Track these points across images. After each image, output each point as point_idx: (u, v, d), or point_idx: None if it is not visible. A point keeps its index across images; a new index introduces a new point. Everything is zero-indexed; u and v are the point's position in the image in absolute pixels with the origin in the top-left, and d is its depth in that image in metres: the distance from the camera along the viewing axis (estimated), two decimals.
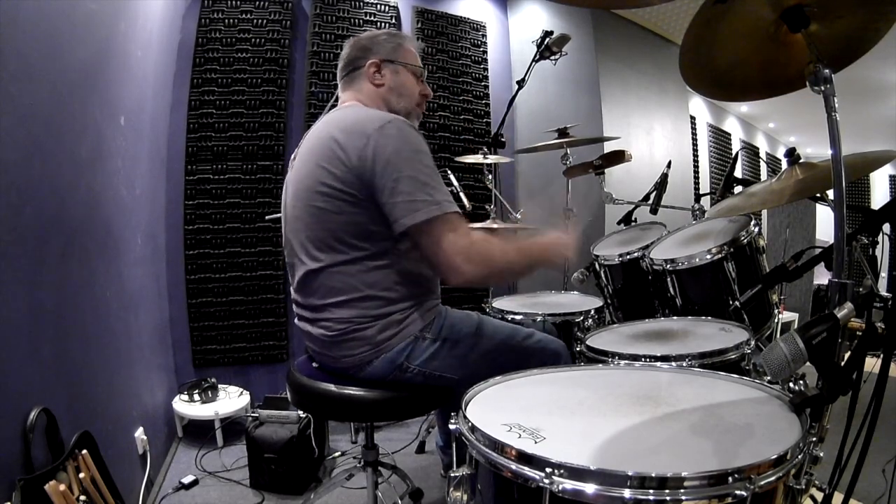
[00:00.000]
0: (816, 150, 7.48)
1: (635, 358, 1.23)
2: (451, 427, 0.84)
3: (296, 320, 1.36)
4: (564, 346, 1.40)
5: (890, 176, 8.04)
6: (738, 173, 2.19)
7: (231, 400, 2.54)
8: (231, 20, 2.78)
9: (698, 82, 1.31)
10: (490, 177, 2.47)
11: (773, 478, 0.67)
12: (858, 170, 1.31)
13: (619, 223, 2.40)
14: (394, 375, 1.26)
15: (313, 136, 1.30)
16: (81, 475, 1.29)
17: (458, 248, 1.15)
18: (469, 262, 1.15)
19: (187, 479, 2.11)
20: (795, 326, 1.70)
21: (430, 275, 1.32)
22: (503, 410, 0.90)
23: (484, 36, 3.54)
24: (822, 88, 1.02)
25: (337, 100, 1.47)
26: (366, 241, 1.21)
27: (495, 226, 2.29)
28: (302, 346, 2.97)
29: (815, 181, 1.32)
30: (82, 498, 1.26)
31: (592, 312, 1.84)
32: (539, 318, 1.77)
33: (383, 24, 3.11)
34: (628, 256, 1.91)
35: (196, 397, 2.50)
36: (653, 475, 0.65)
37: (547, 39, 2.35)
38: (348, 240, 1.21)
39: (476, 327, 1.32)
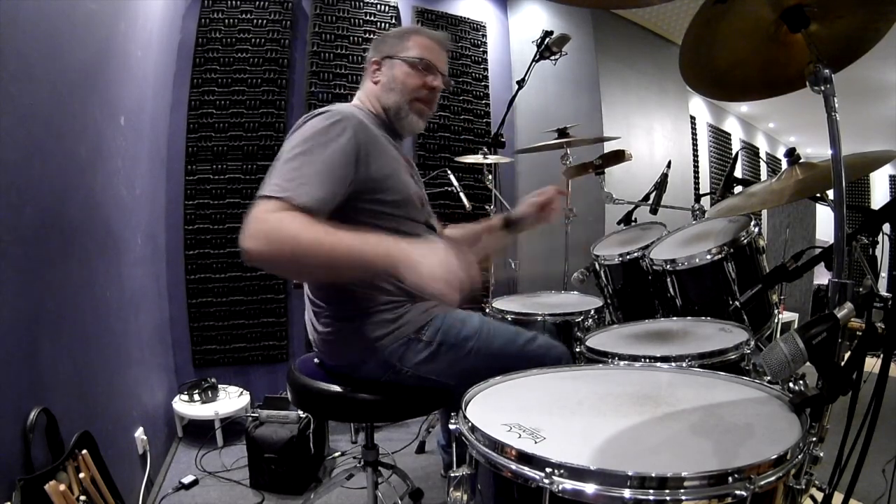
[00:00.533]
0: (816, 150, 7.48)
1: (635, 358, 1.23)
2: (451, 427, 0.84)
3: (305, 314, 1.37)
4: (567, 351, 1.37)
5: (890, 176, 8.04)
6: (738, 173, 2.19)
7: (231, 400, 2.54)
8: (231, 20, 2.78)
9: (698, 82, 1.30)
10: (490, 177, 2.47)
11: (773, 478, 0.67)
12: (858, 170, 1.31)
13: (619, 223, 2.40)
14: (388, 377, 1.25)
15: None
16: (81, 475, 1.29)
17: (247, 224, 1.03)
18: (250, 239, 1.01)
19: (187, 479, 2.11)
20: (795, 326, 1.70)
21: None
22: (503, 410, 0.90)
23: (484, 36, 3.54)
24: (822, 88, 1.02)
25: None
26: None
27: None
28: (302, 345, 2.98)
29: (815, 181, 1.32)
30: (82, 498, 1.26)
31: (592, 312, 1.84)
32: (539, 318, 1.77)
33: (383, 24, 3.11)
34: (628, 256, 1.91)
35: (196, 397, 2.50)
36: (653, 475, 0.65)
37: (547, 39, 2.35)
38: None
39: (476, 330, 1.30)
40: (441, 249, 1.02)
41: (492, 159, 2.38)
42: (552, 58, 2.39)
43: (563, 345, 1.40)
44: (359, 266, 1.05)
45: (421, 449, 2.43)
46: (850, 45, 1.14)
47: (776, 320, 1.69)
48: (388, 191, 1.24)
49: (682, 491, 0.65)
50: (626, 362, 1.21)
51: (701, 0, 1.09)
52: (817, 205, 1.67)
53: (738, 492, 0.64)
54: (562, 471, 0.68)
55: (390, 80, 1.36)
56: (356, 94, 1.43)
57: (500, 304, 2.02)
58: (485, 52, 3.53)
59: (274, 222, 1.02)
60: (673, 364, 1.18)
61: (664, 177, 2.25)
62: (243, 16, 2.80)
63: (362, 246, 1.03)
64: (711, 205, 1.95)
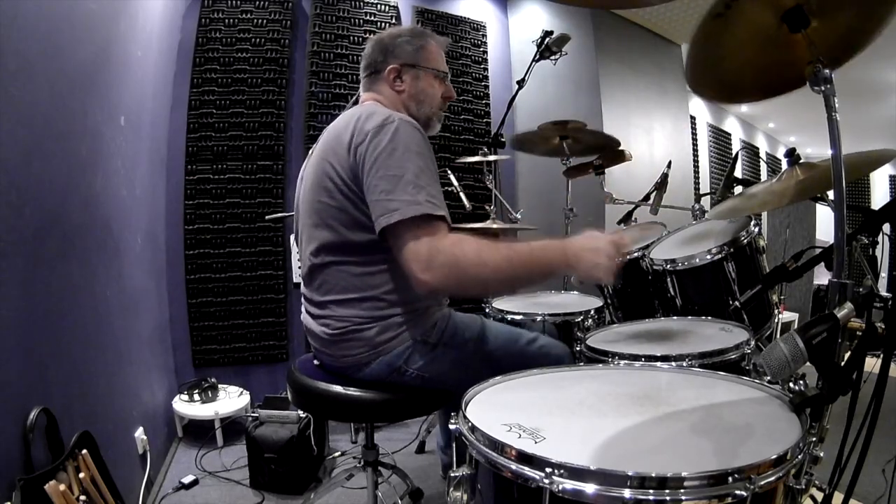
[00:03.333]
0: (816, 150, 7.48)
1: (635, 358, 1.23)
2: (451, 427, 0.84)
3: (302, 315, 1.36)
4: (568, 350, 1.38)
5: (890, 176, 8.04)
6: (738, 173, 2.19)
7: (231, 400, 2.54)
8: (231, 20, 2.78)
9: (707, 90, 1.31)
10: (490, 177, 2.47)
11: (773, 478, 0.67)
12: (858, 169, 1.31)
13: (619, 223, 2.40)
14: (392, 378, 1.25)
15: (327, 131, 1.31)
16: (81, 475, 1.29)
17: (417, 255, 1.06)
18: (427, 271, 1.05)
19: (187, 479, 2.11)
20: (795, 326, 1.70)
21: None
22: (503, 410, 0.90)
23: (484, 36, 3.54)
24: (823, 88, 1.02)
25: (359, 96, 1.44)
26: (368, 241, 1.19)
27: (495, 226, 2.29)
28: (302, 346, 2.98)
29: (816, 182, 1.31)
30: (82, 498, 1.26)
31: (592, 312, 1.84)
32: (539, 318, 1.77)
33: (383, 24, 3.11)
34: (628, 256, 1.91)
35: (196, 397, 2.50)
36: (653, 475, 0.65)
37: (547, 39, 2.35)
38: (351, 238, 1.20)
39: (478, 331, 1.31)
40: (598, 238, 1.13)
41: (492, 159, 2.38)
42: (552, 58, 2.39)
43: (565, 344, 1.40)
44: (540, 273, 1.14)
45: (421, 449, 2.43)
46: (851, 39, 1.14)
47: (776, 320, 1.69)
48: None
49: (682, 491, 0.65)
50: (627, 362, 1.21)
51: (701, 0, 1.08)
52: (817, 205, 1.67)
53: (738, 492, 0.64)
54: (562, 471, 0.68)
55: (418, 91, 1.36)
56: (369, 96, 1.38)
57: (500, 304, 2.02)
58: (485, 52, 3.53)
59: (447, 251, 1.07)
60: (673, 364, 1.18)
61: (664, 177, 2.25)
62: (243, 16, 2.80)
63: (541, 254, 1.12)
64: (711, 205, 1.95)
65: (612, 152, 2.35)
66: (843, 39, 1.12)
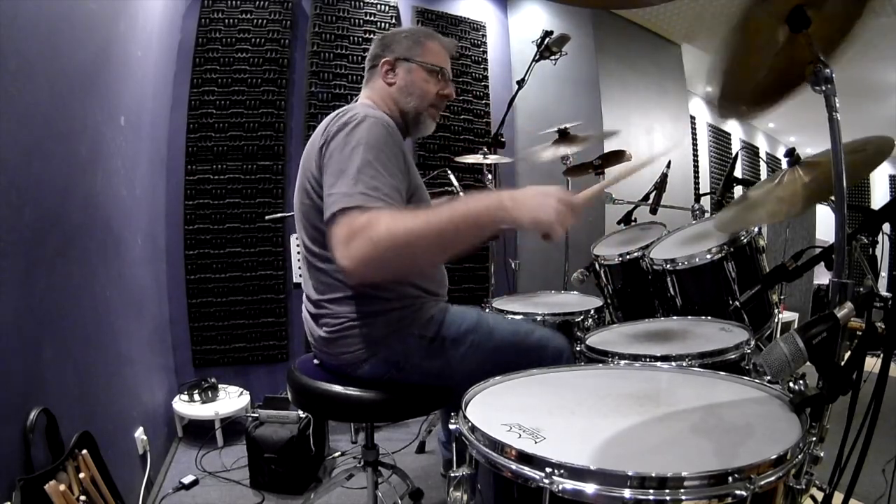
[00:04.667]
0: (816, 150, 7.39)
1: (635, 358, 1.23)
2: (451, 427, 0.84)
3: (302, 314, 1.36)
4: (567, 342, 1.38)
5: (890, 176, 8.04)
6: (737, 173, 2.19)
7: (231, 400, 2.54)
8: (231, 20, 2.78)
9: (741, 110, 1.30)
10: (490, 177, 2.47)
11: (773, 478, 0.67)
12: (860, 167, 1.30)
13: (619, 223, 2.40)
14: (391, 374, 1.25)
15: (314, 133, 1.31)
16: (81, 475, 1.29)
17: (336, 241, 1.01)
18: (346, 257, 0.99)
19: (187, 479, 2.11)
20: (795, 326, 1.70)
21: (430, 274, 1.32)
22: (503, 410, 0.90)
23: (484, 36, 3.54)
24: (823, 88, 1.02)
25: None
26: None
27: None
28: (302, 345, 2.98)
29: (820, 186, 1.30)
30: (82, 498, 1.26)
31: (592, 312, 1.84)
32: (539, 318, 1.77)
33: (383, 24, 3.11)
34: (628, 256, 1.91)
35: (196, 397, 2.50)
36: (653, 475, 0.65)
37: (547, 39, 2.35)
38: None
39: (476, 324, 1.30)
40: (544, 188, 1.01)
41: (492, 159, 2.38)
42: (552, 58, 2.39)
43: (563, 335, 1.40)
44: (473, 228, 1.02)
45: (421, 449, 2.43)
46: (842, 28, 1.13)
47: (776, 320, 1.69)
48: (416, 199, 1.26)
49: (682, 491, 0.65)
50: (627, 362, 1.21)
51: (700, 0, 1.09)
52: (817, 205, 1.67)
53: (738, 492, 0.64)
54: (562, 471, 0.68)
55: (408, 84, 1.36)
56: (364, 94, 1.40)
57: (500, 303, 2.02)
58: (485, 52, 3.53)
59: (364, 231, 0.99)
60: (673, 363, 1.18)
61: (664, 177, 2.25)
62: (243, 16, 2.80)
63: (466, 206, 1.01)
64: (711, 205, 1.95)
65: (611, 152, 2.35)
66: (840, 31, 1.12)
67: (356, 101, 1.40)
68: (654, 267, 1.72)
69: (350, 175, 1.07)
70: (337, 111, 1.25)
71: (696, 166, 4.92)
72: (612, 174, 1.82)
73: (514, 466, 0.72)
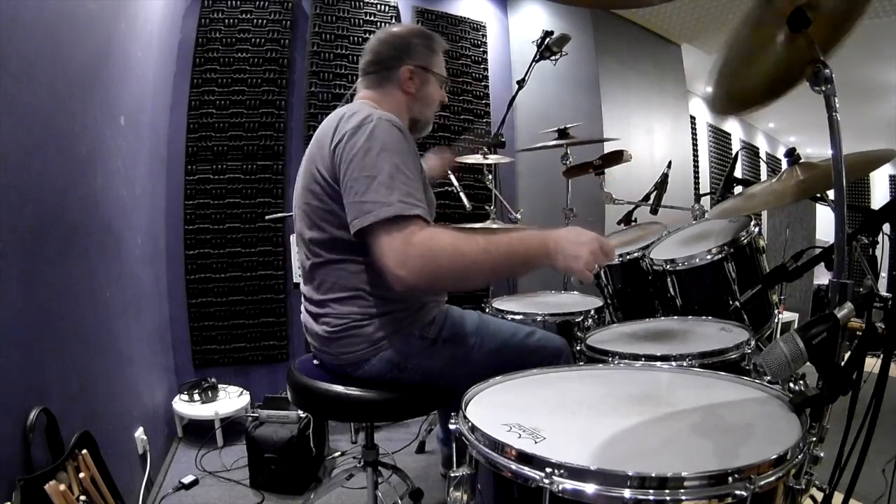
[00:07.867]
0: (816, 150, 7.47)
1: (635, 358, 1.23)
2: (451, 427, 0.84)
3: (301, 314, 1.36)
4: (566, 343, 1.38)
5: (890, 176, 8.04)
6: (738, 173, 2.19)
7: (231, 400, 2.54)
8: (231, 20, 2.78)
9: (732, 108, 1.31)
10: (490, 177, 2.47)
11: (773, 478, 0.67)
12: (859, 169, 1.31)
13: (619, 223, 2.40)
14: (392, 374, 1.26)
15: (317, 132, 1.31)
16: (81, 475, 1.29)
17: (391, 252, 1.05)
18: (403, 267, 1.04)
19: (187, 479, 2.11)
20: (795, 326, 1.70)
21: None
22: (503, 410, 0.90)
23: (484, 36, 3.54)
24: (823, 89, 1.02)
25: (354, 93, 1.42)
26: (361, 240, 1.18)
27: (495, 226, 2.29)
28: (302, 345, 2.97)
29: (817, 181, 1.31)
30: (82, 498, 1.26)
31: (592, 312, 1.84)
32: (539, 318, 1.77)
33: (383, 24, 3.11)
34: (628, 256, 1.91)
35: (196, 397, 2.50)
36: (653, 475, 0.65)
37: (547, 39, 2.35)
38: (343, 237, 1.20)
39: (476, 326, 1.31)
40: (584, 233, 1.09)
41: (492, 159, 2.38)
42: (552, 58, 2.39)
43: (562, 337, 1.40)
44: (520, 266, 1.15)
45: (421, 449, 2.43)
46: (840, 24, 1.13)
47: (776, 320, 1.69)
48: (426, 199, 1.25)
49: (682, 491, 0.65)
50: (627, 362, 1.21)
51: (701, 0, 1.09)
52: (817, 205, 1.67)
53: (738, 492, 0.64)
54: (562, 471, 0.68)
55: (426, 95, 1.37)
56: (365, 94, 1.36)
57: (500, 304, 2.02)
58: (485, 52, 3.53)
59: (422, 246, 1.05)
60: (673, 363, 1.18)
61: (664, 177, 2.25)
62: (243, 16, 2.80)
63: (520, 243, 1.09)
64: (711, 205, 1.95)
65: (612, 152, 2.35)
66: (834, 27, 1.12)
67: (356, 98, 1.38)
68: (654, 267, 1.72)
69: (383, 182, 1.08)
70: (341, 111, 1.25)
71: (696, 166, 4.92)
72: (647, 236, 1.98)
73: (513, 466, 0.72)
